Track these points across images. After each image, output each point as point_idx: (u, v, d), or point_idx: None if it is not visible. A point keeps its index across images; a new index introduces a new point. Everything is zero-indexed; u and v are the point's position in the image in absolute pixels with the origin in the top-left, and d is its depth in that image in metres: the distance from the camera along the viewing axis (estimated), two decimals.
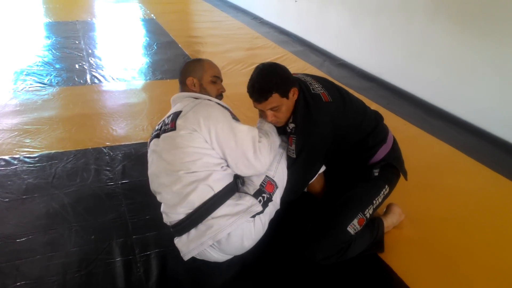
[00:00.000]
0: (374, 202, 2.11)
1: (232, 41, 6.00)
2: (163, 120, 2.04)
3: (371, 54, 4.64)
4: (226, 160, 1.93)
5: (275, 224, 2.07)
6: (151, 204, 2.05)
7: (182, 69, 2.18)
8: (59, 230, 2.23)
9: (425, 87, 3.95)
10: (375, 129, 2.21)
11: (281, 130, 2.18)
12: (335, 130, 2.07)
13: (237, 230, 1.89)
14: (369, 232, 2.09)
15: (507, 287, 1.98)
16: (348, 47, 5.05)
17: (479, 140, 3.35)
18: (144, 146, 2.98)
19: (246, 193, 1.96)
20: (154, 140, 2.02)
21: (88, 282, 1.91)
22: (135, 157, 2.91)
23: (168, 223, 1.99)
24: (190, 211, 1.87)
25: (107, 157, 2.92)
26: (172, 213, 1.93)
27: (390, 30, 4.30)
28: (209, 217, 1.86)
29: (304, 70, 4.78)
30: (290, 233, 2.19)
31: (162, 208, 1.99)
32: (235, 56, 5.24)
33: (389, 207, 2.29)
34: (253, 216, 1.91)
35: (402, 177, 2.28)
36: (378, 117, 2.30)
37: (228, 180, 1.94)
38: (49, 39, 5.82)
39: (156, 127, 2.07)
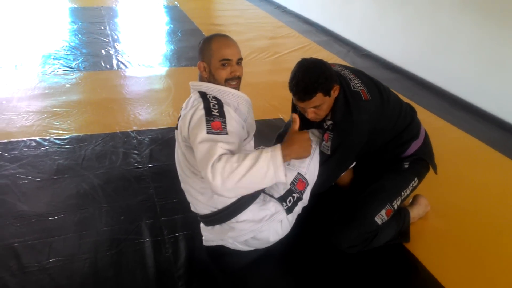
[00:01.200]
0: (403, 193, 2.12)
1: (255, 29, 6.00)
2: (181, 109, 1.92)
3: (397, 45, 4.60)
4: None
5: (302, 212, 2.08)
6: (179, 188, 2.07)
7: (198, 48, 1.92)
8: (90, 210, 2.28)
9: (451, 79, 3.91)
10: (409, 125, 2.19)
11: (317, 125, 2.18)
12: (372, 129, 2.06)
13: (263, 233, 1.92)
14: (395, 223, 2.10)
15: None
16: (373, 38, 5.01)
17: (506, 134, 3.32)
18: (170, 131, 3.03)
19: (272, 196, 1.94)
20: (176, 130, 1.96)
21: (119, 261, 1.96)
22: (162, 142, 2.95)
23: (195, 212, 2.02)
24: (214, 210, 1.89)
25: (135, 141, 2.96)
26: (197, 206, 1.95)
27: (417, 21, 4.26)
28: (233, 220, 1.88)
29: (328, 60, 4.69)
30: (317, 221, 2.21)
31: (188, 197, 2.01)
32: (259, 45, 5.24)
33: (415, 198, 2.29)
34: None
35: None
36: (412, 112, 2.28)
37: None
38: (75, 24, 5.90)
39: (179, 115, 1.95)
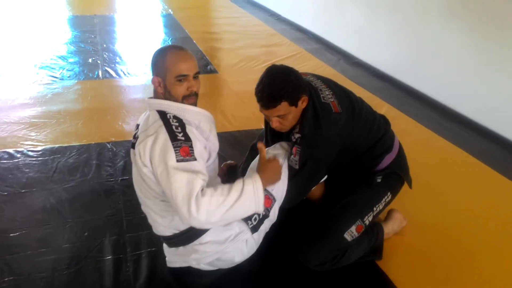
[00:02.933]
0: (375, 209, 2.04)
1: (247, 37, 5.94)
2: (136, 129, 1.85)
3: (386, 53, 4.53)
4: None
5: (270, 227, 2.00)
6: None
7: (151, 62, 1.81)
8: (54, 225, 2.21)
9: (440, 88, 3.83)
10: (382, 138, 2.11)
11: (287, 138, 2.10)
12: (342, 142, 1.98)
13: (228, 254, 1.85)
14: (367, 239, 2.02)
15: None
16: (363, 46, 4.94)
17: (494, 145, 3.22)
18: None
19: None
20: (131, 150, 1.85)
21: (76, 280, 1.88)
22: None
23: (157, 234, 1.92)
24: (176, 232, 1.81)
25: (110, 152, 2.90)
26: (158, 228, 1.86)
27: (406, 29, 4.19)
28: (196, 242, 1.80)
29: (318, 68, 4.69)
30: (285, 238, 2.13)
31: (148, 219, 1.91)
32: (249, 52, 5.17)
33: (390, 213, 2.21)
34: None
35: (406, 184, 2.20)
36: (386, 125, 2.19)
37: None
38: (66, 33, 5.87)
39: (134, 132, 1.87)
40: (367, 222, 2.00)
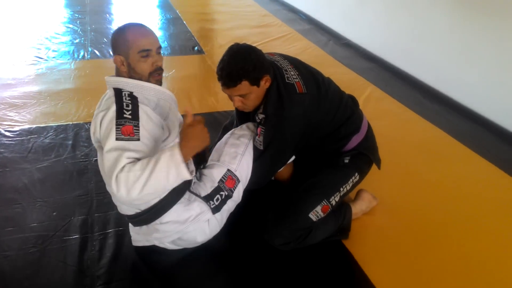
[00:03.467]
0: (342, 189, 2.03)
1: (239, 18, 5.87)
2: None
3: (375, 34, 4.47)
4: None
5: (236, 208, 2.00)
6: None
7: (110, 42, 1.79)
8: (23, 205, 2.21)
9: (426, 69, 3.78)
10: (349, 118, 2.09)
11: (252, 118, 2.09)
12: (307, 123, 1.96)
13: (189, 233, 1.85)
14: (334, 219, 2.01)
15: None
16: (353, 26, 4.88)
17: (477, 127, 3.19)
18: None
19: (198, 195, 1.84)
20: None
21: (40, 259, 1.89)
22: None
23: (121, 213, 1.91)
24: (138, 211, 1.79)
25: (87, 133, 2.89)
26: (122, 207, 1.85)
27: (394, 10, 4.13)
28: (157, 221, 1.79)
29: (307, 49, 4.64)
30: (252, 218, 2.12)
31: (112, 199, 1.90)
32: (239, 33, 5.10)
33: (358, 193, 2.20)
34: None
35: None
36: (353, 105, 2.16)
37: None
38: (55, 14, 5.81)
39: None
40: (333, 203, 1.99)
